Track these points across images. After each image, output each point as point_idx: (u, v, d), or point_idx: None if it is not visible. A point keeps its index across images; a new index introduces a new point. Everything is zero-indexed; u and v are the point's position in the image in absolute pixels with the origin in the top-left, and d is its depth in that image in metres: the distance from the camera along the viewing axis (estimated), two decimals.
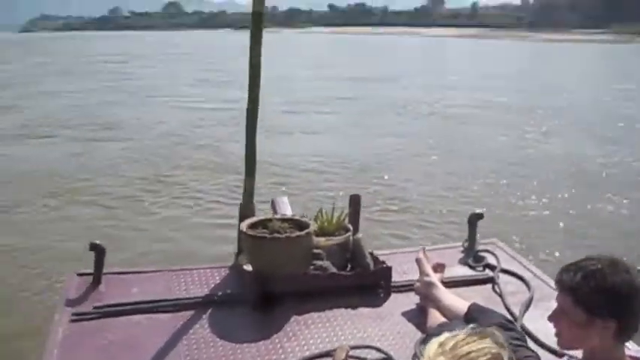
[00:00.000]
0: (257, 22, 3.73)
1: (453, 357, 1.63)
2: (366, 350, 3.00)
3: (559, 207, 10.58)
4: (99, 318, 3.28)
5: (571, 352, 2.31)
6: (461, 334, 1.72)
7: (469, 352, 1.64)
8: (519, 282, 3.71)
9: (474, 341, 1.68)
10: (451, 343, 1.68)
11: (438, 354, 1.65)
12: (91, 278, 3.61)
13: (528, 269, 3.84)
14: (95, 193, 11.38)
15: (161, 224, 9.83)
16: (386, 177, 12.60)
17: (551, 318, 2.26)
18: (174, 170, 13.17)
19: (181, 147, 15.53)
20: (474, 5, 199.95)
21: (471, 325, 1.81)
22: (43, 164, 13.65)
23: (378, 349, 2.99)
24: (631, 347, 2.50)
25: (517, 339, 2.71)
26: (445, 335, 1.73)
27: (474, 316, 2.84)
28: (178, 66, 42.76)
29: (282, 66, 38.97)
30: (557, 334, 2.25)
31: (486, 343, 1.68)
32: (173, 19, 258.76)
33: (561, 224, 9.70)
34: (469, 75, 35.42)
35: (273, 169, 12.52)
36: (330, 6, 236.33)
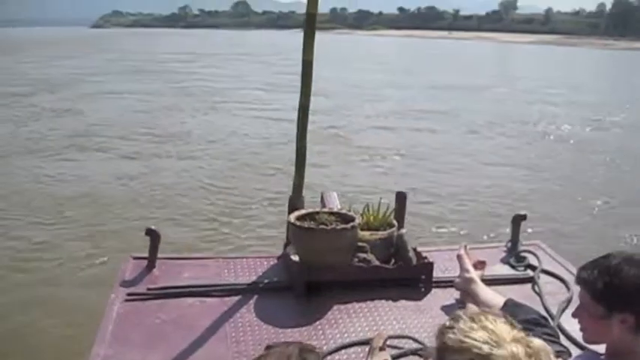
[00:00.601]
0: (310, 22, 3.88)
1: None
2: (404, 340, 3.11)
3: None
4: (152, 299, 3.48)
5: (594, 347, 2.38)
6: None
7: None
8: (560, 283, 3.75)
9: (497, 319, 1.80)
10: (483, 318, 1.79)
11: (481, 330, 1.73)
12: (145, 262, 3.82)
13: (570, 271, 3.85)
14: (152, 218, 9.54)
15: (215, 216, 9.90)
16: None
17: (574, 314, 2.36)
18: (243, 204, 10.83)
19: (255, 173, 12.91)
20: (548, 11, 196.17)
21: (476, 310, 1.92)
22: (93, 187, 11.73)
23: (416, 340, 3.09)
24: None
25: (549, 335, 2.79)
26: (467, 314, 1.84)
27: (510, 310, 2.91)
28: (248, 67, 41.78)
29: (359, 71, 37.76)
30: (581, 329, 2.35)
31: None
32: (242, 18, 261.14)
33: None
34: (562, 87, 32.06)
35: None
36: (400, 9, 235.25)
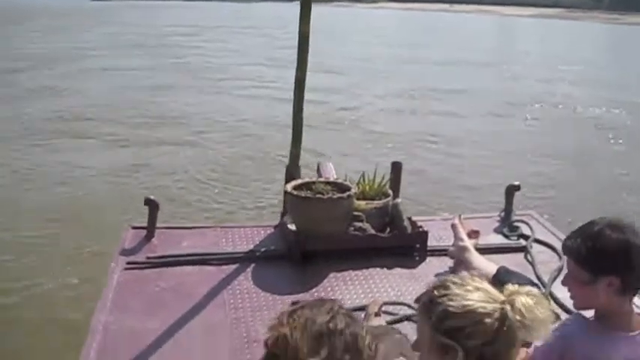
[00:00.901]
0: None
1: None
2: (399, 307, 3.19)
3: None
4: (151, 267, 3.56)
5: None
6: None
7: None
8: (552, 252, 3.82)
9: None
10: (470, 281, 1.88)
11: (477, 292, 1.82)
12: (144, 232, 3.88)
13: (562, 241, 3.92)
14: None
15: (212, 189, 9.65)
16: None
17: (563, 282, 2.43)
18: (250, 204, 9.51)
19: (257, 161, 11.58)
20: None
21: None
22: (80, 177, 10.44)
23: (410, 306, 3.14)
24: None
25: None
26: (454, 279, 1.90)
27: (502, 277, 2.97)
28: (252, 41, 39.08)
29: (361, 44, 36.43)
30: (571, 297, 2.41)
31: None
32: None
33: None
34: (573, 63, 29.41)
35: None
36: None
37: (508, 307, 1.75)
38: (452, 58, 28.97)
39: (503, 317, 1.74)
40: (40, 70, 23.08)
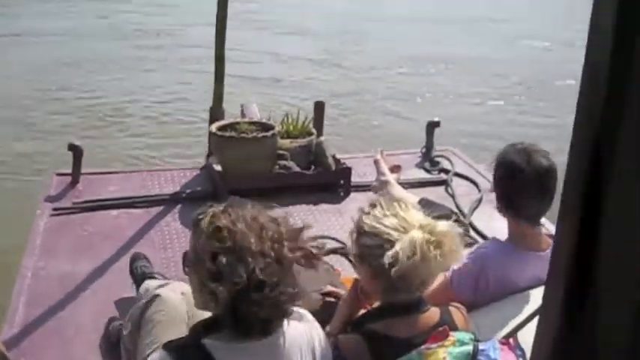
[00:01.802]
0: None
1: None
2: (325, 240, 3.25)
3: None
4: (78, 212, 3.55)
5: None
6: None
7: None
8: (471, 185, 3.97)
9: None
10: (397, 205, 1.94)
11: (392, 218, 1.87)
12: (69, 178, 3.86)
13: (481, 174, 4.05)
14: None
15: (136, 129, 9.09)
16: None
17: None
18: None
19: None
20: None
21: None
22: None
23: (335, 239, 3.28)
24: (551, 228, 2.73)
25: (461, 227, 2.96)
26: (385, 200, 1.99)
27: (423, 209, 3.07)
28: None
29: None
30: None
31: None
32: None
33: None
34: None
35: None
36: None
37: (407, 239, 1.78)
38: (430, 14, 20.42)
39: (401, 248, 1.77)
40: None
